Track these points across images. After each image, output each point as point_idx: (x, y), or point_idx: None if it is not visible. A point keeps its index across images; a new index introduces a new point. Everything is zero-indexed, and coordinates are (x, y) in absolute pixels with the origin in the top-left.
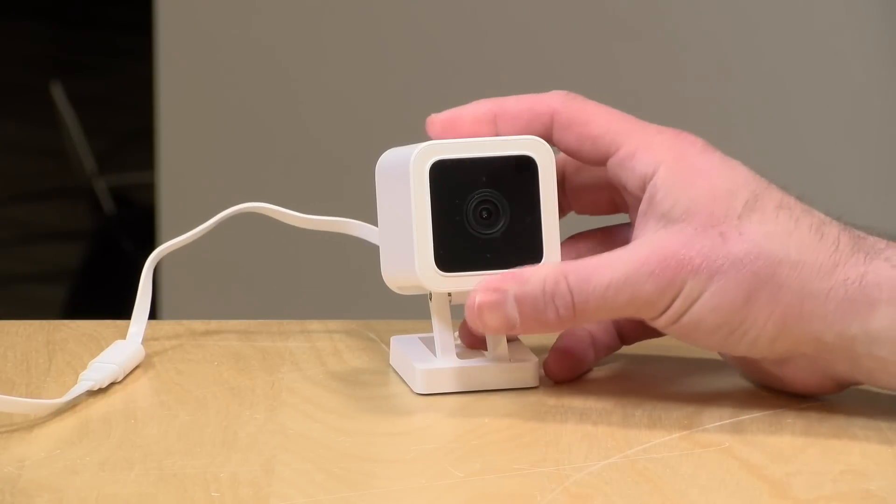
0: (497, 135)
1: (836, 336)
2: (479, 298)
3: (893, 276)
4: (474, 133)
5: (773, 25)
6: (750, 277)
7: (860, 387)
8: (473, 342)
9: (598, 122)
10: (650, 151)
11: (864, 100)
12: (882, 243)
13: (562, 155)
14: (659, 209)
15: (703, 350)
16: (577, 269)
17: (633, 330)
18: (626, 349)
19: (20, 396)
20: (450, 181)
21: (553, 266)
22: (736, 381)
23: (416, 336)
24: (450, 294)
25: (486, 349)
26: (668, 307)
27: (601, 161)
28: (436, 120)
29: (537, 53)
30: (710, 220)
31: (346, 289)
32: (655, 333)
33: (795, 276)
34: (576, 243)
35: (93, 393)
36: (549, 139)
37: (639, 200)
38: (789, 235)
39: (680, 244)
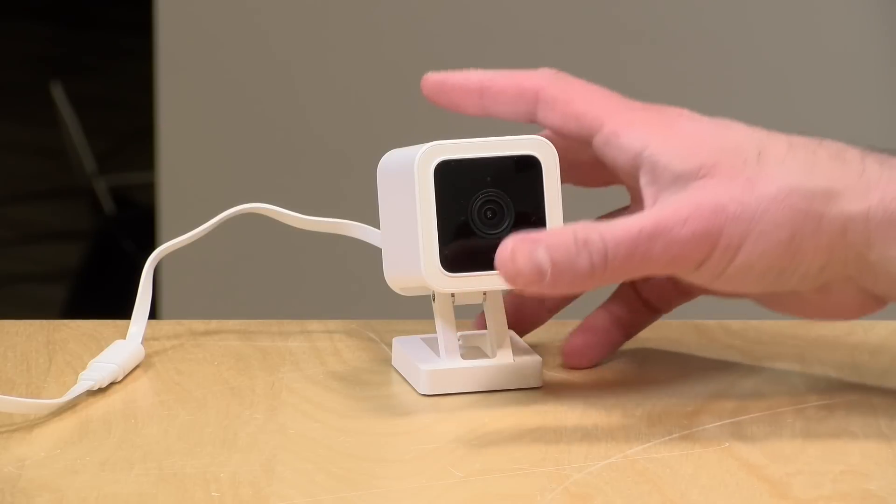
0: (483, 108)
1: (879, 256)
2: (511, 244)
3: None
4: (460, 101)
5: (775, 27)
6: (790, 214)
7: (859, 387)
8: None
9: (581, 99)
10: (635, 127)
11: (866, 102)
12: None
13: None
14: (668, 174)
15: (717, 345)
16: (606, 223)
17: (663, 295)
18: (625, 349)
19: (20, 396)
20: (454, 181)
21: (582, 222)
22: (736, 381)
23: (417, 337)
24: (453, 294)
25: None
26: (705, 259)
27: (586, 139)
28: (429, 80)
29: (542, 55)
30: (732, 171)
31: (346, 289)
32: (686, 296)
33: (832, 202)
34: None
35: (93, 393)
36: (533, 117)
37: (631, 177)
38: (813, 167)
39: (709, 195)
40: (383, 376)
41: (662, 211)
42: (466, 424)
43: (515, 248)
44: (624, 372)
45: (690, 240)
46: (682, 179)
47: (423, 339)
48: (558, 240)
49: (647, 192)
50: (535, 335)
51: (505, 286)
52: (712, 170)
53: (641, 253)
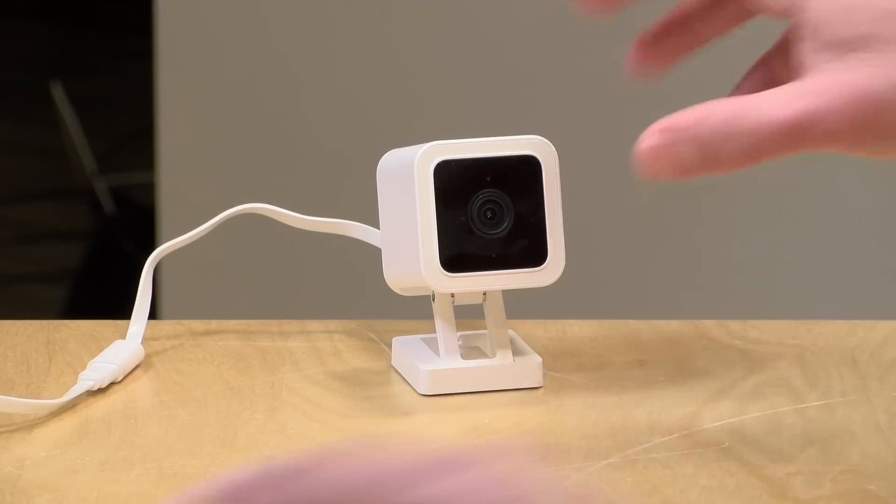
0: None
1: None
2: (652, 137)
3: None
4: None
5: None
6: None
7: (859, 387)
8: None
9: None
10: None
11: None
12: None
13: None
14: (822, 39)
15: (722, 331)
16: (757, 108)
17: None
18: (625, 349)
19: (20, 396)
20: (454, 181)
21: (732, 105)
22: (736, 381)
23: (417, 337)
24: (453, 294)
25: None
26: (858, 147)
27: None
28: None
29: (543, 54)
30: (888, 47)
31: (346, 289)
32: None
33: None
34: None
35: (92, 393)
36: None
37: (783, 20)
38: None
39: (863, 77)
40: (383, 376)
41: (816, 98)
42: (467, 424)
43: (653, 141)
44: (624, 372)
45: (838, 132)
46: (838, 48)
47: (423, 339)
48: (705, 128)
49: (798, 49)
50: (535, 335)
51: (504, 286)
52: (868, 42)
53: (790, 145)
